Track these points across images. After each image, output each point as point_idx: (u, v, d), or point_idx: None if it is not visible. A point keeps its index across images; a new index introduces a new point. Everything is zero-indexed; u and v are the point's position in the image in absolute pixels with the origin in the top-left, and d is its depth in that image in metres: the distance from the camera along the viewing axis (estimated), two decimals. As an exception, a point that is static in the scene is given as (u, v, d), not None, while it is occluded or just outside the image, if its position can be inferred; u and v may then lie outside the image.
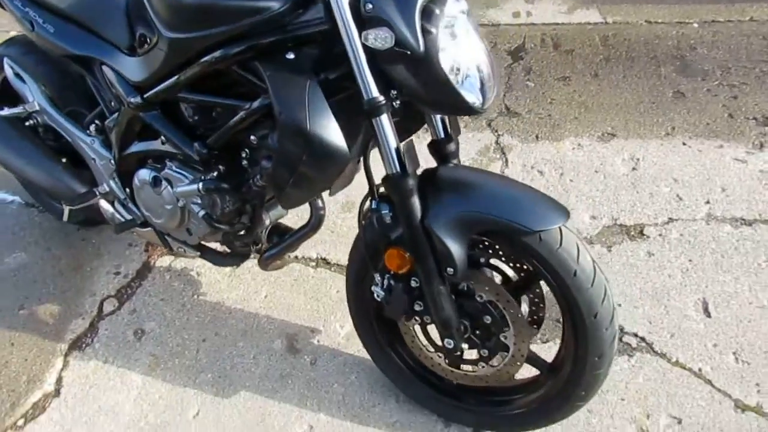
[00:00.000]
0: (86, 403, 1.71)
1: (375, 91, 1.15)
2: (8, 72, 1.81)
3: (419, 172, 1.35)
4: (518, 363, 1.36)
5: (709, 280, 1.82)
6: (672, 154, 2.28)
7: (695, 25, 3.01)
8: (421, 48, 1.09)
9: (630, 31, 3.02)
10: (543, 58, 2.92)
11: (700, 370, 1.61)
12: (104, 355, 1.83)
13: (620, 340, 1.69)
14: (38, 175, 1.77)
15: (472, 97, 1.19)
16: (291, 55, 1.22)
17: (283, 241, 1.59)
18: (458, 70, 1.18)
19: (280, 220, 1.70)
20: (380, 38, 1.11)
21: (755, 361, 1.61)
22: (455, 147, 1.41)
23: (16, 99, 1.90)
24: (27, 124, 1.82)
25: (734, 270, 1.84)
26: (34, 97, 1.76)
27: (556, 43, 3.00)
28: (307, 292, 1.94)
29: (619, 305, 1.78)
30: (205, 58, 1.28)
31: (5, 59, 1.82)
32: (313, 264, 2.03)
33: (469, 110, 1.19)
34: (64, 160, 1.80)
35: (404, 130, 1.47)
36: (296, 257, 2.05)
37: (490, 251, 1.35)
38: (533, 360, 1.42)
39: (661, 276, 1.85)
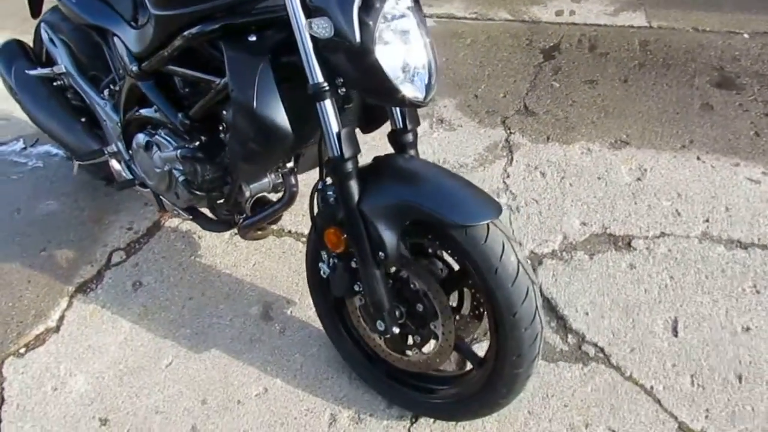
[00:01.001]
0: (79, 341, 1.88)
1: (320, 77, 1.21)
2: (44, 36, 1.99)
3: (371, 158, 1.41)
4: (446, 353, 1.39)
5: (685, 299, 1.76)
6: (682, 168, 2.20)
7: (746, 35, 2.85)
8: (357, 39, 1.14)
9: (673, 38, 2.89)
10: (575, 59, 2.85)
11: (651, 387, 1.57)
12: (103, 301, 1.99)
13: (579, 348, 1.69)
14: (59, 131, 1.95)
15: (411, 91, 1.22)
16: (252, 38, 1.30)
17: (258, 213, 1.69)
18: (403, 64, 1.22)
19: (268, 194, 1.79)
20: (321, 27, 1.16)
21: (711, 386, 1.56)
22: (413, 138, 1.45)
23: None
24: (55, 84, 2.00)
25: (715, 292, 1.77)
26: (62, 60, 1.93)
27: (593, 45, 2.92)
28: (292, 266, 2.03)
29: (587, 314, 1.76)
30: (183, 34, 1.37)
31: (42, 24, 2.00)
32: (304, 240, 2.12)
33: (407, 103, 1.22)
34: (83, 119, 1.97)
35: (371, 120, 1.52)
36: (289, 231, 2.15)
37: (437, 242, 1.38)
38: (466, 353, 1.44)
39: (636, 290, 1.81)
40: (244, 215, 1.73)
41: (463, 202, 1.25)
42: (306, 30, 1.18)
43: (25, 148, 2.72)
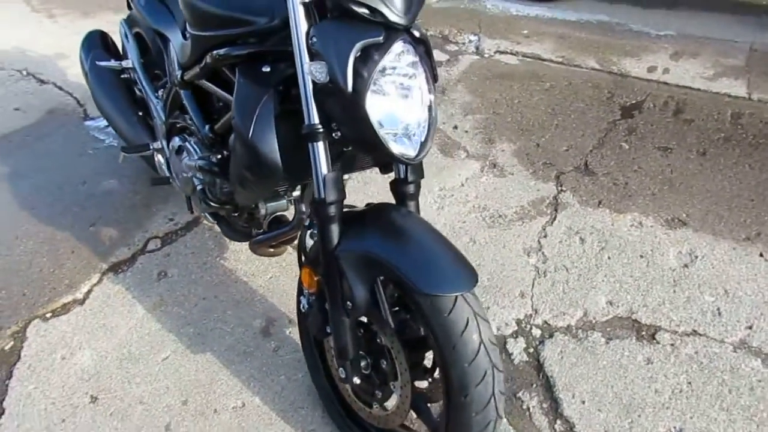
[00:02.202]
0: (97, 318, 2.00)
1: (315, 119, 1.22)
2: (120, 31, 2.14)
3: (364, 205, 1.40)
4: (402, 415, 1.35)
5: (698, 411, 1.59)
6: (739, 262, 1.99)
7: None
8: (350, 88, 1.13)
9: (772, 115, 2.64)
10: (655, 122, 2.66)
11: (630, 500, 1.44)
12: (128, 284, 2.11)
13: (564, 437, 1.58)
14: (116, 119, 2.09)
15: (401, 148, 1.20)
16: (266, 68, 1.33)
17: (267, 232, 1.72)
18: (397, 120, 1.19)
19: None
20: (318, 71, 1.16)
21: None
22: (414, 189, 1.41)
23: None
24: (123, 76, 2.15)
25: (734, 411, 1.59)
26: (131, 56, 2.07)
27: (679, 109, 2.72)
28: (305, 286, 2.05)
29: (583, 402, 1.64)
30: (211, 54, 1.43)
31: (122, 20, 2.16)
32: (323, 262, 2.13)
33: (395, 158, 1.20)
34: (140, 113, 2.10)
35: (359, 164, 1.50)
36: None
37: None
38: (425, 417, 1.39)
39: (646, 388, 1.66)
40: (261, 230, 1.78)
41: (436, 268, 1.20)
42: (307, 71, 1.19)
43: (107, 126, 2.95)
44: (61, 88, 3.35)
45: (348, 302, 1.27)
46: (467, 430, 1.20)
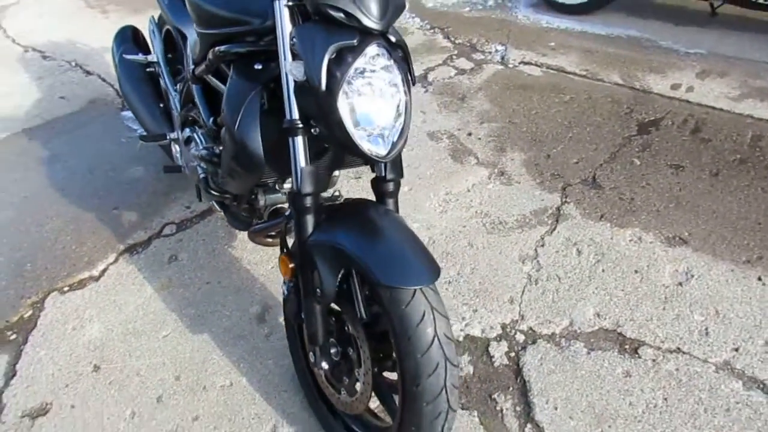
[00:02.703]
0: (109, 294, 2.13)
1: (295, 115, 1.30)
2: (149, 28, 2.28)
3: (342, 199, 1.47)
4: (363, 402, 1.41)
5: (670, 427, 1.59)
6: (735, 284, 1.97)
7: None
8: (323, 87, 1.20)
9: (795, 139, 2.57)
10: (671, 139, 2.64)
11: (588, 507, 1.46)
12: (141, 265, 2.24)
13: (531, 441, 1.60)
14: (139, 109, 2.23)
15: (372, 146, 1.26)
16: (258, 66, 1.42)
17: (263, 222, 1.81)
18: (369, 119, 1.26)
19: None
20: (296, 70, 1.24)
21: None
22: (393, 188, 1.47)
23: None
24: (148, 70, 2.29)
25: (706, 429, 1.58)
26: (156, 50, 2.21)
27: (697, 128, 2.68)
28: (303, 278, 2.13)
29: (556, 408, 1.66)
30: (213, 50, 1.53)
31: (151, 17, 2.29)
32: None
33: (366, 156, 1.27)
34: (161, 105, 2.23)
35: (348, 161, 1.57)
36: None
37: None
38: (388, 406, 1.44)
39: (620, 400, 1.66)
40: (262, 220, 1.87)
41: (398, 262, 1.26)
42: (287, 70, 1.27)
43: (140, 117, 3.12)
44: (104, 80, 3.55)
45: (318, 290, 1.34)
46: (418, 419, 1.25)
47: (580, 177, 2.48)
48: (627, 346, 1.81)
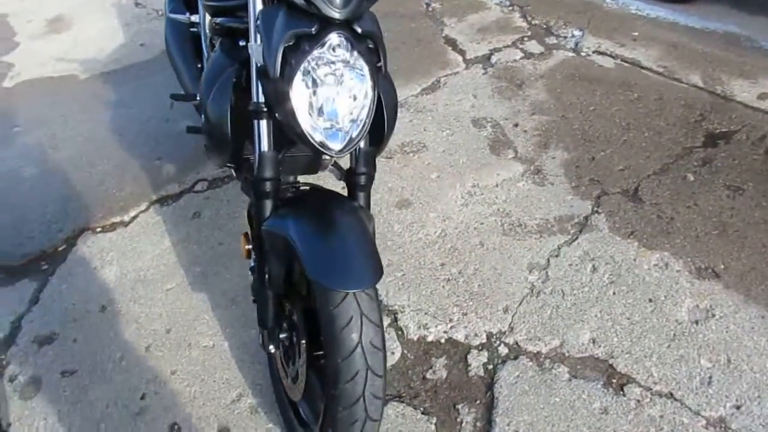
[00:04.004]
0: (133, 241, 2.25)
1: (261, 98, 1.27)
2: (194, -13, 2.31)
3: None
4: (299, 391, 1.39)
5: (634, 477, 1.46)
6: (759, 333, 1.73)
7: None
8: (277, 74, 1.16)
9: None
10: (739, 157, 2.34)
11: None
12: (167, 217, 2.34)
13: (482, 460, 1.53)
14: (179, 67, 2.27)
15: (323, 139, 1.20)
16: (242, 43, 1.39)
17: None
18: (324, 111, 1.20)
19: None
20: (257, 53, 1.21)
21: None
22: (365, 181, 1.40)
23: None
24: (192, 30, 2.33)
25: (673, 489, 1.43)
26: (199, 11, 2.23)
27: (774, 147, 2.35)
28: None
29: (516, 432, 1.57)
30: (211, 22, 1.52)
31: (198, -23, 2.32)
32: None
33: (315, 148, 1.21)
34: (199, 65, 2.27)
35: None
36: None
37: None
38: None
39: (589, 437, 1.54)
40: None
41: (336, 262, 1.20)
42: (251, 52, 1.24)
43: (205, 71, 3.21)
44: (183, 31, 3.67)
45: (265, 275, 1.33)
46: (333, 422, 1.22)
47: (621, 186, 2.27)
48: (614, 381, 1.66)
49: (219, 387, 1.74)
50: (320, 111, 1.19)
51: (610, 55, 3.06)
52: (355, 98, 1.21)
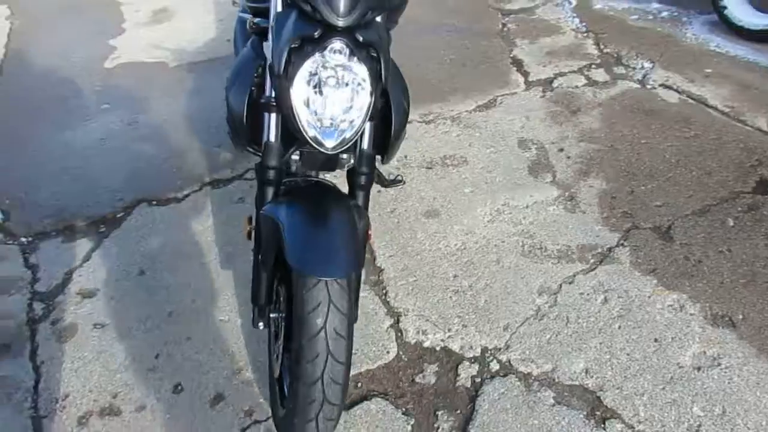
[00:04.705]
0: (180, 217, 2.44)
1: (272, 92, 1.39)
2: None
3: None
4: (277, 369, 1.49)
5: None
6: (763, 390, 1.64)
7: None
8: (280, 71, 1.27)
9: None
10: (789, 207, 2.20)
11: None
12: (216, 199, 2.51)
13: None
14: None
15: (317, 135, 1.30)
16: (267, 42, 1.52)
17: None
18: (321, 110, 1.30)
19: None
20: (267, 51, 1.33)
21: None
22: (365, 181, 1.49)
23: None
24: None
25: None
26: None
27: (832, 202, 2.19)
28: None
29: (487, 445, 1.59)
30: (250, 21, 1.66)
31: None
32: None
33: (309, 143, 1.31)
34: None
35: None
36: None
37: None
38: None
39: (558, 463, 1.53)
40: None
41: (315, 250, 1.28)
42: (266, 50, 1.36)
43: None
44: (267, 31, 3.91)
45: (260, 255, 1.45)
46: (294, 400, 1.31)
47: (654, 222, 2.21)
48: (598, 413, 1.64)
49: (224, 358, 1.88)
50: (317, 109, 1.29)
51: (676, 90, 2.95)
52: (352, 101, 1.30)
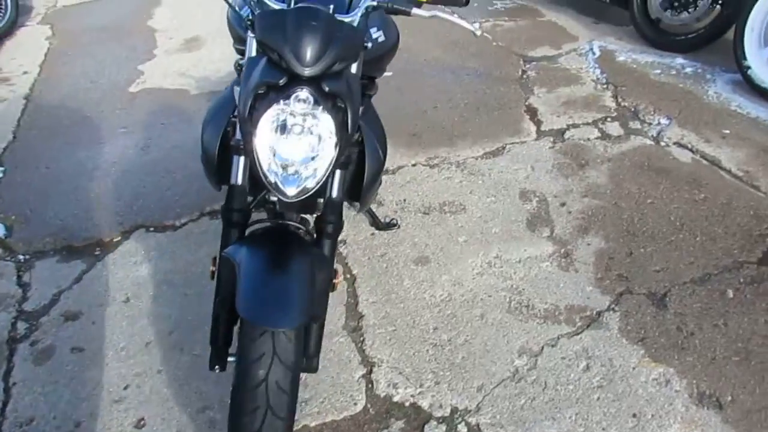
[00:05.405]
0: (174, 245, 2.45)
1: (239, 135, 1.39)
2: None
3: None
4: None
5: None
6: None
7: None
8: (246, 115, 1.27)
9: None
10: (797, 283, 2.08)
11: None
12: (211, 229, 2.51)
13: None
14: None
15: (278, 184, 1.29)
16: None
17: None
18: (283, 157, 1.29)
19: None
20: (236, 94, 1.34)
21: None
22: (331, 230, 1.48)
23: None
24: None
25: None
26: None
27: (843, 281, 2.07)
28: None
29: None
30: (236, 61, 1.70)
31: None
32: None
33: (268, 188, 1.30)
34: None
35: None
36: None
37: None
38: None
39: None
40: None
41: (264, 298, 1.25)
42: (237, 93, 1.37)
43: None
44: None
45: (218, 297, 1.44)
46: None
47: (649, 288, 2.11)
48: (563, 490, 1.56)
49: (191, 395, 1.86)
50: (279, 156, 1.29)
51: (690, 149, 2.87)
52: (315, 150, 1.29)
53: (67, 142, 3.15)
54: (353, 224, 2.48)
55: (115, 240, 2.50)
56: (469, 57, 3.97)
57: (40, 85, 3.79)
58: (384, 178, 2.76)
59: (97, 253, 2.43)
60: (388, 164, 2.81)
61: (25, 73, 3.94)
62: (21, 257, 2.42)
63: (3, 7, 4.47)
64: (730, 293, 2.08)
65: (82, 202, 2.70)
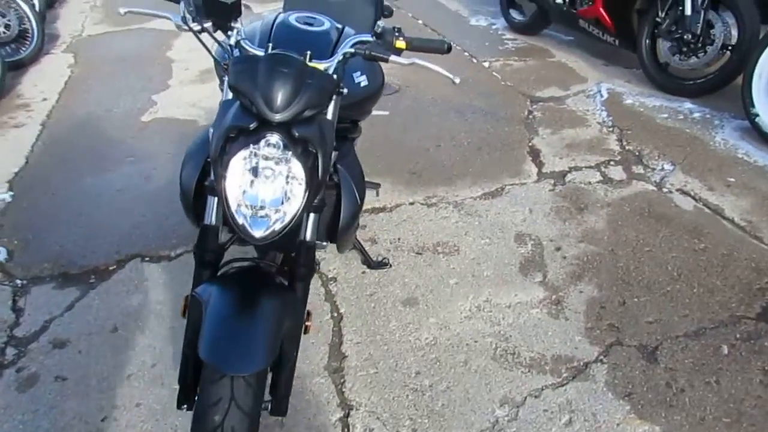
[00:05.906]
0: (168, 275, 2.47)
1: (213, 176, 1.40)
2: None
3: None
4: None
5: None
6: None
7: None
8: (216, 155, 1.29)
9: None
10: (795, 342, 2.00)
11: None
12: (204, 261, 2.56)
13: None
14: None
15: (245, 225, 1.29)
16: None
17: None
18: (251, 199, 1.29)
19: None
20: (210, 136, 1.35)
21: None
22: (303, 273, 1.48)
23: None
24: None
25: None
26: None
27: (844, 341, 1.98)
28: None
29: None
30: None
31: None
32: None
33: (237, 231, 1.30)
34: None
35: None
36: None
37: None
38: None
39: None
40: None
41: (228, 342, 1.25)
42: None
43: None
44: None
45: (186, 337, 1.43)
46: None
47: (640, 340, 2.06)
48: None
49: (167, 430, 1.84)
50: (248, 197, 1.29)
51: (693, 197, 2.82)
52: (284, 194, 1.29)
53: (76, 168, 3.22)
54: (345, 261, 2.47)
55: (110, 268, 2.52)
56: (476, 96, 3.98)
57: (58, 112, 3.90)
58: (381, 215, 2.76)
59: (91, 281, 2.46)
60: (386, 202, 2.83)
61: (44, 99, 4.06)
62: (19, 282, 2.45)
63: (30, 34, 4.64)
64: (725, 349, 2.01)
65: (82, 229, 2.74)
